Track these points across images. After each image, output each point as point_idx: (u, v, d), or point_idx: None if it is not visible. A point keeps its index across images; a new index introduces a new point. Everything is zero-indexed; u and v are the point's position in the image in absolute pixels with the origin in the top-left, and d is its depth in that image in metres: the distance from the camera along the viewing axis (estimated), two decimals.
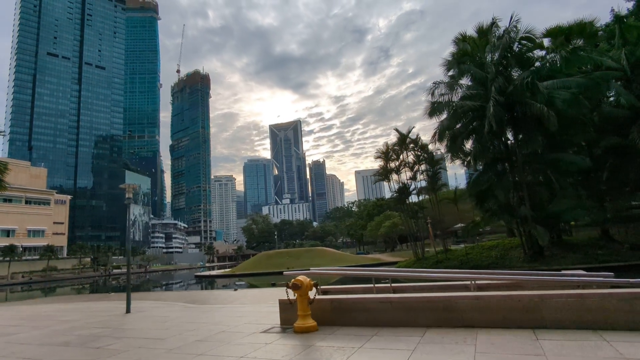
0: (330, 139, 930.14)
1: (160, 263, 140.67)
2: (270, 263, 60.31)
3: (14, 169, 67.49)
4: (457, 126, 29.88)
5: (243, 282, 39.39)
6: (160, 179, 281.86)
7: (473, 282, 7.95)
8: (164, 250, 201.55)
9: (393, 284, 9.50)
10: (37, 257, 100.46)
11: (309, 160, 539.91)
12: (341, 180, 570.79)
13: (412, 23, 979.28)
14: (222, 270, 64.05)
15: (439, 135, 31.34)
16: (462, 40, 31.46)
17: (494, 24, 28.78)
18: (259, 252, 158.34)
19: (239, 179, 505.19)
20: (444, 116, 30.98)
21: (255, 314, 11.19)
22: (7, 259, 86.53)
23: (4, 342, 9.35)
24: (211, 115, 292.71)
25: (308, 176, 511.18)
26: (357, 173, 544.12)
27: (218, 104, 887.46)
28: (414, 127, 44.45)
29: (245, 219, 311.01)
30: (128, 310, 13.92)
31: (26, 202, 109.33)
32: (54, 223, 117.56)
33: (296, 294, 7.74)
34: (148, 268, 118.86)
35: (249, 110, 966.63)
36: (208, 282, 58.18)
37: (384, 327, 7.34)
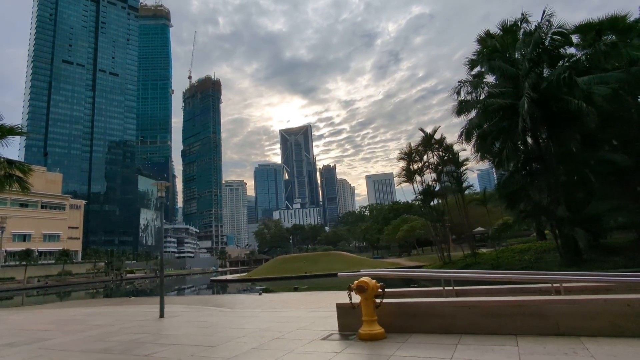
0: (340, 143, 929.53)
1: (173, 268, 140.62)
2: (286, 267, 59.50)
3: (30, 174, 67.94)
4: (486, 125, 28.90)
5: (263, 287, 38.67)
6: (172, 184, 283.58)
7: (560, 284, 7.11)
8: (176, 254, 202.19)
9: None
10: (53, 261, 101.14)
11: (319, 164, 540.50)
12: (352, 185, 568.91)
13: (421, 27, 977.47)
14: (238, 275, 63.40)
15: (466, 134, 30.37)
16: (487, 37, 30.73)
17: (523, 19, 27.98)
18: (271, 256, 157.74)
19: (250, 183, 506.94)
20: (471, 115, 30.22)
21: (301, 319, 10.53)
22: (24, 263, 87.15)
23: (39, 347, 8.96)
24: (222, 120, 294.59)
25: (319, 181, 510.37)
26: (368, 177, 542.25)
27: (228, 110, 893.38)
28: (439, 126, 43.37)
29: (256, 224, 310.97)
30: (162, 315, 13.35)
31: (42, 207, 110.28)
32: (69, 228, 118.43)
33: (360, 297, 7.13)
34: (157, 273, 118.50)
35: (259, 115, 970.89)
36: (222, 287, 57.60)
37: (463, 335, 6.65)
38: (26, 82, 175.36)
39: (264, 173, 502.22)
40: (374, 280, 7.18)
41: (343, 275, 10.04)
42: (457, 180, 43.57)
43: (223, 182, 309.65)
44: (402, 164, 46.63)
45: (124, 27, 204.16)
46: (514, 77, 26.93)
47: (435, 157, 44.44)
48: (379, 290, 7.13)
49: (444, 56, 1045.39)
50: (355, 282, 7.17)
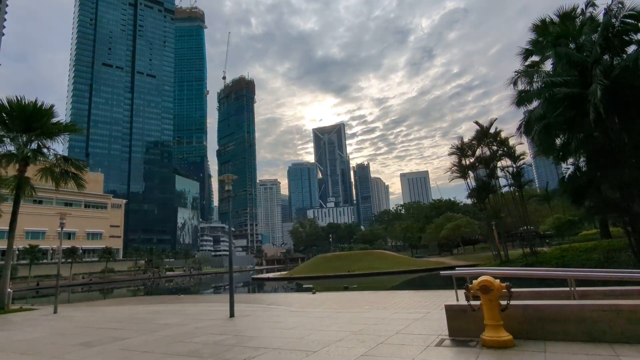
0: (374, 141, 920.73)
1: (210, 266, 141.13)
2: (329, 266, 56.51)
3: None
4: (548, 116, 25.87)
5: (310, 285, 35.82)
6: (207, 183, 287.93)
7: None
8: (213, 253, 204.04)
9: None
10: (96, 259, 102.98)
11: (352, 163, 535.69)
12: (386, 184, 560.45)
13: (455, 22, 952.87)
14: (279, 273, 61.31)
15: (526, 126, 27.94)
16: (544, 25, 27.96)
17: (589, 3, 25.57)
18: (307, 255, 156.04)
19: (283, 183, 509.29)
20: (531, 106, 27.87)
21: (390, 321, 9.91)
22: (70, 260, 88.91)
23: (120, 348, 8.68)
24: (255, 120, 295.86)
25: (352, 179, 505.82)
26: (402, 176, 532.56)
27: (261, 109, 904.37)
28: (495, 119, 39.27)
29: (289, 223, 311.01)
30: (232, 314, 12.76)
31: (85, 206, 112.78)
32: (111, 226, 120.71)
33: (482, 299, 6.55)
34: (192, 271, 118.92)
35: (291, 114, 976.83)
36: (258, 285, 55.67)
37: (614, 344, 5.91)
38: (68, 85, 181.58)
39: (297, 172, 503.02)
40: (498, 280, 6.56)
41: (446, 274, 9.77)
42: (513, 176, 39.73)
43: (257, 181, 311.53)
44: (453, 159, 42.89)
45: (160, 30, 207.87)
46: (581, 65, 24.43)
47: (488, 152, 40.53)
48: (504, 290, 6.49)
49: (479, 51, 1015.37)
50: (477, 280, 6.60)
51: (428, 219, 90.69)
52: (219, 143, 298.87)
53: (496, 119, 38.61)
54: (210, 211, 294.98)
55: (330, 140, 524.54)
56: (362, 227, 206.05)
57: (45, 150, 23.58)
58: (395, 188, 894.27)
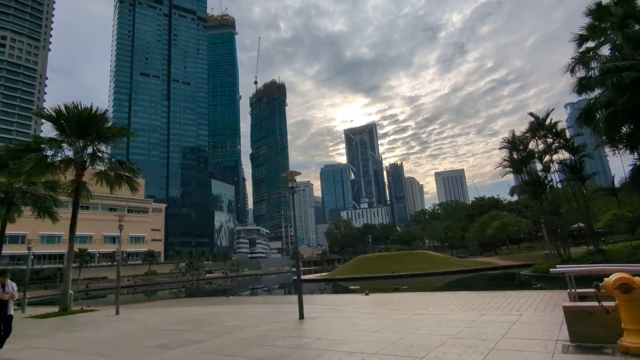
0: (406, 140, 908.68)
1: (248, 268, 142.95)
2: (371, 267, 55.43)
3: None
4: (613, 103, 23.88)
5: (357, 287, 35.10)
6: (242, 186, 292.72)
7: None
8: (249, 255, 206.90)
9: None
10: (140, 261, 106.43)
11: (385, 163, 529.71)
12: (420, 183, 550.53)
13: (488, 15, 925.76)
14: (319, 275, 60.84)
15: (586, 115, 25.97)
16: (600, 8, 26.25)
17: None
18: (343, 256, 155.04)
19: (316, 184, 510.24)
20: (593, 95, 26.01)
21: (485, 324, 9.06)
22: (115, 263, 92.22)
23: (201, 351, 8.38)
24: (286, 123, 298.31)
25: (385, 180, 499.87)
26: (437, 175, 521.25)
27: (292, 112, 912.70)
28: (552, 109, 36.95)
29: (323, 224, 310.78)
30: (301, 316, 12.18)
31: (128, 211, 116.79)
32: (152, 230, 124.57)
33: (618, 300, 5.66)
34: (228, 273, 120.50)
35: (322, 116, 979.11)
36: (296, 287, 55.12)
37: None
38: (109, 95, 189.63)
39: (329, 173, 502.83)
40: (638, 277, 5.64)
41: (556, 272, 9.29)
42: (572, 169, 37.11)
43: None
44: (503, 153, 40.74)
45: (193, 38, 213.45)
46: None
47: (542, 145, 38.14)
48: None
49: (514, 44, 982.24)
50: (613, 278, 5.72)
51: (470, 217, 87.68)
52: (252, 147, 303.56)
53: (553, 109, 36.33)
54: (245, 214, 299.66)
55: (362, 141, 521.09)
56: (398, 228, 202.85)
57: (99, 154, 24.04)
58: (430, 187, 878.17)
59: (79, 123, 22.10)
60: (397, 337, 8.29)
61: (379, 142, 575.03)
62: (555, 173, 38.93)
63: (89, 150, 23.41)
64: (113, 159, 24.18)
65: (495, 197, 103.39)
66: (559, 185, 40.67)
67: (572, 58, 28.58)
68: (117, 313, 18.38)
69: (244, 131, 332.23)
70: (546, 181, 38.05)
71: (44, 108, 21.64)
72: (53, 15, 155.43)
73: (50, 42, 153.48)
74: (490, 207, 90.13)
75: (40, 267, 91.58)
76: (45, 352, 9.72)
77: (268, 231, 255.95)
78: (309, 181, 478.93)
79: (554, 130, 36.66)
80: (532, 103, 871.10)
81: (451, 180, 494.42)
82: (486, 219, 76.34)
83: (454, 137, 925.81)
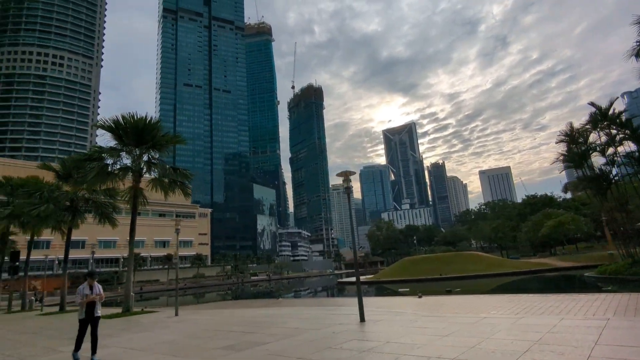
0: (447, 139, 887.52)
1: (291, 270, 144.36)
2: (417, 269, 54.08)
3: None
4: None
5: (407, 289, 34.32)
6: (282, 190, 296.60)
7: None
8: (291, 258, 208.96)
9: None
10: (188, 265, 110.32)
11: (426, 163, 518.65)
12: (463, 182, 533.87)
13: (531, 4, 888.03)
14: (365, 277, 60.03)
15: None
16: None
17: None
18: (386, 258, 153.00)
19: (356, 186, 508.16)
20: None
21: (569, 329, 8.50)
22: (166, 266, 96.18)
23: (268, 354, 8.29)
24: (324, 126, 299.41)
25: (427, 179, 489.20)
26: (482, 173, 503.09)
27: (329, 115, 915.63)
28: (616, 97, 34.39)
29: (364, 226, 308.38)
30: (362, 319, 11.93)
31: (177, 216, 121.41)
32: (199, 234, 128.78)
33: None
34: (271, 276, 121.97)
35: (359, 118, 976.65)
36: (339, 290, 54.88)
37: None
38: (155, 106, 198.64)
39: (369, 175, 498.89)
40: None
41: None
42: None
43: (330, 186, 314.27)
44: (561, 147, 38.34)
45: (232, 47, 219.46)
46: None
47: (605, 137, 35.32)
48: None
49: (562, 33, 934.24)
50: None
51: (522, 216, 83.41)
52: (291, 151, 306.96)
53: (617, 97, 33.81)
54: (287, 217, 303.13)
55: (401, 141, 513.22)
56: (442, 229, 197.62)
57: (154, 162, 25.03)
58: (474, 187, 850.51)
59: (135, 132, 23.13)
60: (474, 341, 7.88)
61: (419, 141, 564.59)
62: (620, 166, 36.14)
63: (145, 157, 24.43)
64: (167, 166, 25.07)
65: (549, 194, 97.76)
66: (624, 180, 37.68)
67: (636, 41, 26.96)
68: (176, 314, 18.96)
69: (282, 136, 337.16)
70: (611, 175, 35.34)
71: (100, 120, 22.67)
72: (104, 34, 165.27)
73: (102, 60, 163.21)
74: (544, 205, 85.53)
75: (98, 270, 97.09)
76: (121, 351, 10.09)
77: (309, 234, 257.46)
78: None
79: (618, 120, 34.03)
80: (583, 94, 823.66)
81: (497, 178, 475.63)
82: (540, 218, 72.49)
83: (498, 133, 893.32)
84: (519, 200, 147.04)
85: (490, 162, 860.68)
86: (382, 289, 45.54)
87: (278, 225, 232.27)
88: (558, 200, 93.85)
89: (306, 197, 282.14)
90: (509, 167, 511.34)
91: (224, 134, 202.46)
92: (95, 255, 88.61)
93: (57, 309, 29.18)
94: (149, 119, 23.68)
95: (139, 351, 9.99)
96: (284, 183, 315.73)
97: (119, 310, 22.98)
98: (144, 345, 10.79)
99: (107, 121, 23.47)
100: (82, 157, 25.75)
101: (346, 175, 13.08)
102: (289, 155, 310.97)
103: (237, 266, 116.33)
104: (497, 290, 34.65)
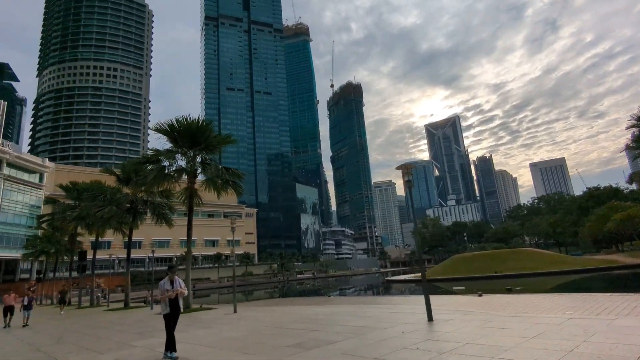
0: (493, 131, 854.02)
1: (336, 269, 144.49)
2: (469, 267, 52.13)
3: None
4: None
5: (462, 287, 33.05)
6: (324, 189, 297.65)
7: None
8: (335, 256, 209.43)
9: None
10: (237, 263, 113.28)
11: (472, 157, 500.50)
12: (513, 176, 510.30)
13: None
14: (413, 275, 58.89)
15: None
16: None
17: None
18: (433, 256, 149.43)
19: (398, 183, 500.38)
20: None
21: None
22: (216, 265, 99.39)
23: (341, 353, 8.15)
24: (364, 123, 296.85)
25: (473, 174, 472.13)
26: (533, 166, 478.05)
27: (368, 112, 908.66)
28: None
29: (408, 224, 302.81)
30: (430, 318, 11.42)
31: (224, 216, 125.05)
32: (246, 234, 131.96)
33: None
34: (316, 274, 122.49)
35: (399, 113, 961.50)
36: (385, 288, 53.85)
37: None
38: (200, 111, 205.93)
39: (411, 171, 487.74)
40: None
41: None
42: None
43: (372, 183, 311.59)
44: (629, 134, 35.35)
45: (272, 50, 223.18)
46: None
47: None
48: None
49: (619, 11, 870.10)
50: None
51: (583, 210, 77.62)
52: (332, 149, 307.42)
53: None
54: (329, 216, 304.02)
55: (444, 135, 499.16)
56: (491, 225, 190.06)
57: (207, 162, 25.62)
58: (524, 180, 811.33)
59: (189, 134, 23.77)
60: (570, 345, 7.17)
61: (464, 135, 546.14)
62: None
63: (198, 159, 25.06)
64: (220, 166, 25.57)
65: (615, 185, 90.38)
66: None
67: None
68: (235, 311, 19.22)
69: (323, 135, 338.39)
70: None
71: (156, 124, 23.38)
72: (152, 45, 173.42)
73: (151, 69, 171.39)
74: (608, 197, 79.40)
75: (154, 269, 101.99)
76: (189, 347, 10.21)
77: (352, 232, 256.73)
78: (391, 180, 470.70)
79: None
80: None
81: (550, 170, 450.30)
82: (605, 211, 67.38)
83: (549, 123, 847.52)
84: (576, 194, 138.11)
85: (542, 154, 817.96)
86: (434, 288, 44.24)
87: (321, 224, 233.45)
88: (625, 191, 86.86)
89: (348, 195, 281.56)
90: (564, 158, 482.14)
91: (266, 135, 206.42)
92: (150, 255, 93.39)
93: (121, 305, 30.73)
94: (201, 121, 24.25)
95: (207, 347, 10.07)
96: (326, 182, 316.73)
97: None
98: (210, 342, 10.88)
99: (162, 125, 24.26)
100: (140, 161, 26.87)
101: (407, 168, 12.59)
102: (330, 154, 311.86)
103: (283, 264, 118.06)
104: (561, 289, 32.61)
